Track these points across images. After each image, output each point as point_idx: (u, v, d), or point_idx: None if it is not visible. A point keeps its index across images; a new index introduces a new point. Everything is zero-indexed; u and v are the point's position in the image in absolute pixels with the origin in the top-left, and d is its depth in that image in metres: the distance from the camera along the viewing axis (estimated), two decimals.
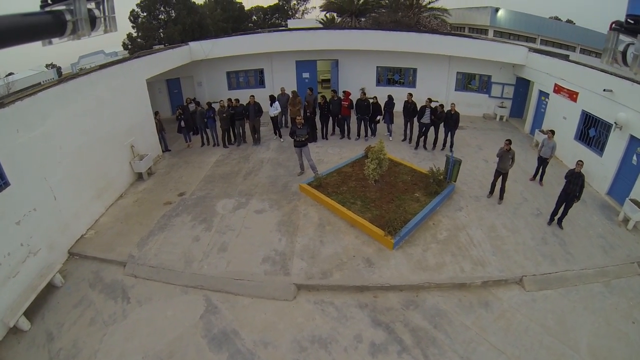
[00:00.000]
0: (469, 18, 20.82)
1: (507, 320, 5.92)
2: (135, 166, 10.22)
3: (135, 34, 26.69)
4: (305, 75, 15.07)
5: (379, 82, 15.12)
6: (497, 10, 19.30)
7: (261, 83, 15.39)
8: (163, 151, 12.11)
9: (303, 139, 9.34)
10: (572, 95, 10.65)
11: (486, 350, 5.45)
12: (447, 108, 11.08)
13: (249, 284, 6.65)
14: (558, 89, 11.36)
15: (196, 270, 6.96)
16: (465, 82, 14.70)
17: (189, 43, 14.03)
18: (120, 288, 6.74)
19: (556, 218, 7.97)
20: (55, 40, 4.11)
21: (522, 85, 13.95)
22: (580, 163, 7.45)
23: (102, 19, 4.42)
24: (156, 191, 9.80)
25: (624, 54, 4.52)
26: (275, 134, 12.77)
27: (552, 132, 9.25)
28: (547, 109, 12.01)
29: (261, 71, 15.33)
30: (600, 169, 9.29)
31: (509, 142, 8.34)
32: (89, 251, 7.57)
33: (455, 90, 14.37)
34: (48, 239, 7.01)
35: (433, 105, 10.97)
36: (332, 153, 11.46)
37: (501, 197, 8.82)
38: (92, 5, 4.24)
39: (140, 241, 7.77)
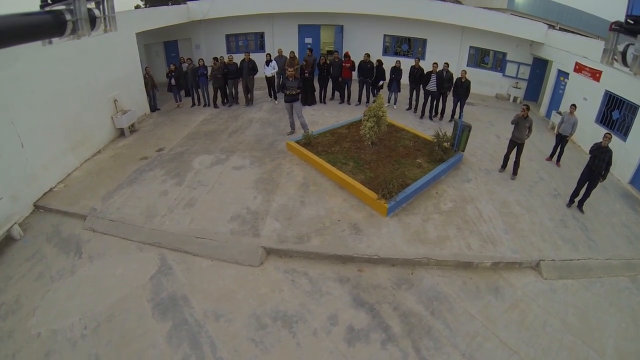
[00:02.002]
0: (486, 1, 18.98)
1: (521, 311, 4.54)
2: (117, 121, 8.92)
3: (143, 5, 25.04)
4: (308, 40, 13.44)
5: (385, 52, 13.39)
6: None
7: (261, 47, 13.77)
8: (151, 110, 10.71)
9: (294, 92, 7.86)
10: (595, 75, 9.08)
11: (494, 347, 4.07)
12: (457, 76, 9.53)
13: (210, 244, 5.30)
14: (579, 68, 9.77)
15: (156, 225, 5.71)
16: (479, 58, 12.94)
17: (187, 2, 12.48)
18: (75, 242, 5.66)
19: (576, 200, 6.54)
20: (55, 40, 3.94)
21: (539, 67, 12.20)
22: (608, 136, 6.05)
23: (102, 18, 4.25)
24: (135, 147, 8.52)
25: (623, 54, 4.28)
26: (270, 96, 11.27)
27: (574, 106, 7.75)
28: (565, 90, 10.41)
29: (262, 35, 13.72)
30: (624, 155, 7.77)
31: (527, 107, 6.87)
32: (53, 204, 6.43)
33: (467, 65, 12.59)
34: (11, 189, 5.97)
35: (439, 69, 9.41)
36: (328, 116, 9.94)
37: (515, 172, 7.32)
38: (92, 5, 4.08)
39: (106, 194, 6.57)
